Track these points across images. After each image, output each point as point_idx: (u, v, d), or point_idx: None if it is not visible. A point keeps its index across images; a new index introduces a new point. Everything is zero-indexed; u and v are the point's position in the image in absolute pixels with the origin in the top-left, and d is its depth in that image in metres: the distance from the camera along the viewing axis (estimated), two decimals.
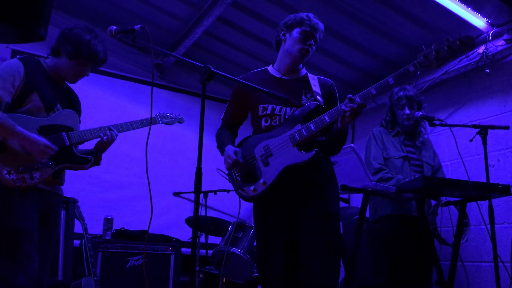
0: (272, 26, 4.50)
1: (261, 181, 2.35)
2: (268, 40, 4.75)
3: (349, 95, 2.18)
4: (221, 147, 2.53)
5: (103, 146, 2.60)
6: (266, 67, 2.61)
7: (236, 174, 2.47)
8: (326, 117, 2.24)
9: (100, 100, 4.83)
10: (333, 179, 2.44)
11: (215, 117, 5.07)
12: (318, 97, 2.42)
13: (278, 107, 2.41)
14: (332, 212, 2.32)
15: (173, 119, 3.05)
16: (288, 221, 2.32)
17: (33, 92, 2.33)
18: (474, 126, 3.16)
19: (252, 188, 2.38)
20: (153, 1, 4.52)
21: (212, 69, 1.95)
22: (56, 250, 3.54)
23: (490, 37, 3.99)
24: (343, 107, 2.19)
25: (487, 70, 4.11)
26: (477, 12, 3.87)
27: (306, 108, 2.35)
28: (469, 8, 3.83)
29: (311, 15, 2.47)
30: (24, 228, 2.23)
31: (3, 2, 1.30)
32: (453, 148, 3.81)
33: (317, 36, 2.46)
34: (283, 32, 2.51)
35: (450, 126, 3.21)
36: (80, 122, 2.61)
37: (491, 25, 3.97)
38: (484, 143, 3.08)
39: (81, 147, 2.60)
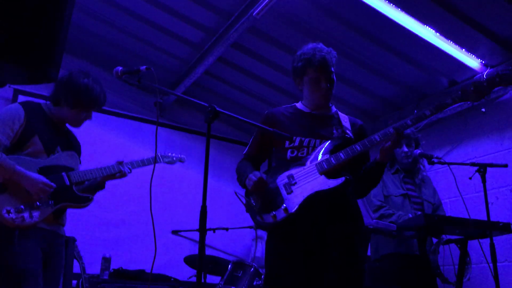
0: (272, 67, 4.61)
1: (283, 207, 2.15)
2: (269, 80, 4.85)
3: (389, 122, 2.15)
4: (241, 177, 2.33)
5: (113, 178, 2.65)
6: (295, 103, 2.49)
7: (256, 199, 2.27)
8: (358, 147, 2.15)
9: (100, 138, 4.85)
10: (361, 217, 2.28)
11: (216, 156, 5.17)
12: (348, 131, 2.32)
13: (306, 140, 2.27)
14: (358, 258, 2.16)
15: (174, 159, 3.07)
16: (307, 257, 2.13)
17: (34, 135, 2.38)
18: (473, 164, 3.19)
19: (271, 214, 2.17)
20: (154, 42, 4.64)
21: (217, 108, 1.95)
22: None
23: (485, 77, 4.08)
24: (376, 137, 2.14)
25: (483, 109, 4.18)
26: (471, 54, 3.97)
27: (335, 140, 2.25)
28: (463, 50, 3.94)
29: (309, 54, 2.29)
30: (27, 269, 2.21)
31: (15, 44, 1.33)
32: (451, 186, 3.82)
33: (330, 69, 2.31)
34: (296, 80, 2.39)
35: (449, 164, 3.23)
36: (80, 163, 2.64)
37: (485, 65, 4.07)
38: (484, 180, 3.10)
39: (88, 166, 2.61)
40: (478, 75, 4.15)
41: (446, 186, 4.32)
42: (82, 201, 2.51)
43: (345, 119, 2.39)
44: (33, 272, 2.23)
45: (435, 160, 3.24)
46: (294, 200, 2.15)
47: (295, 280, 2.13)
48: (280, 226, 2.19)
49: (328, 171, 2.16)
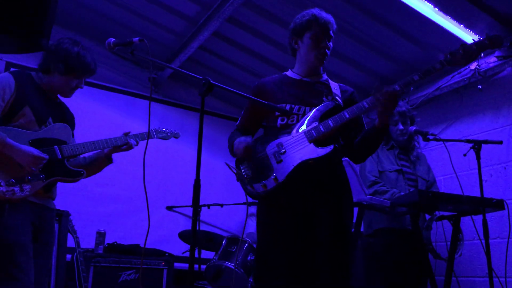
0: (268, 42, 4.55)
1: (273, 176, 2.17)
2: (264, 55, 4.80)
3: (376, 85, 2.09)
4: (231, 145, 2.37)
5: (118, 151, 2.63)
6: (285, 72, 2.50)
7: (246, 169, 2.29)
8: (346, 114, 2.14)
9: (94, 113, 4.81)
10: (348, 188, 2.31)
11: (210, 132, 5.14)
12: (338, 98, 2.31)
13: (296, 106, 2.29)
14: (346, 229, 2.19)
15: (168, 134, 2.97)
16: (297, 226, 2.16)
17: (25, 105, 2.33)
18: (467, 141, 3.19)
19: (262, 184, 2.19)
20: (148, 15, 4.56)
21: (212, 81, 1.92)
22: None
23: (482, 54, 4.06)
24: (365, 103, 2.11)
25: (480, 86, 4.17)
26: (469, 30, 3.93)
27: (325, 107, 2.24)
28: (462, 26, 3.89)
29: (316, 12, 2.35)
30: (17, 241, 2.20)
31: (4, 13, 1.30)
32: (446, 163, 3.84)
33: (331, 33, 2.35)
34: (294, 39, 2.40)
35: (444, 140, 3.23)
36: (73, 136, 2.60)
37: None
38: (478, 157, 3.10)
39: (80, 141, 2.57)
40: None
41: (441, 163, 4.34)
42: (74, 176, 2.48)
43: (335, 87, 2.38)
44: (24, 244, 2.22)
45: (430, 137, 3.25)
46: (284, 169, 2.16)
47: (285, 256, 2.14)
48: (270, 196, 2.21)
49: (318, 139, 2.16)
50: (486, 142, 3.17)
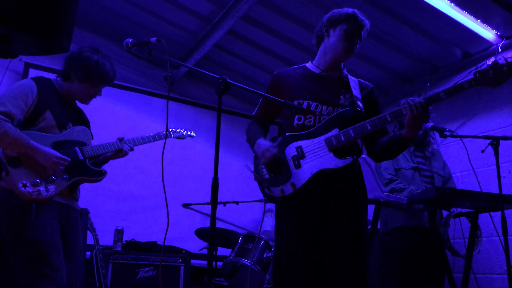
0: (283, 40, 4.55)
1: (290, 182, 2.21)
2: (279, 53, 4.80)
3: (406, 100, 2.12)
4: (251, 141, 2.40)
5: (115, 157, 2.68)
6: (305, 63, 2.49)
7: (264, 172, 2.31)
8: (368, 125, 2.15)
9: (110, 112, 4.86)
10: (364, 192, 2.31)
11: (226, 130, 5.16)
12: (358, 102, 2.29)
13: (314, 104, 2.28)
14: (363, 232, 2.21)
15: (184, 134, 3.09)
16: (314, 231, 2.16)
17: (46, 110, 2.40)
18: (486, 137, 3.16)
19: (279, 189, 2.23)
20: (163, 14, 4.59)
21: (228, 80, 1.94)
22: None
23: (500, 49, 4.01)
24: (388, 117, 2.14)
25: None
26: (486, 25, 3.89)
27: (345, 112, 2.24)
28: (479, 21, 3.86)
29: (357, 11, 2.38)
30: (47, 241, 2.25)
31: (26, 14, 1.32)
32: (463, 159, 3.81)
33: (362, 35, 2.36)
34: (326, 27, 2.39)
35: (461, 137, 3.20)
36: (92, 138, 2.66)
37: (500, 37, 3.99)
38: (496, 153, 3.07)
39: (97, 141, 2.63)
40: (493, 47, 4.08)
41: (458, 159, 4.30)
42: (96, 175, 2.55)
43: (355, 85, 2.37)
44: (55, 243, 2.27)
45: (447, 133, 3.21)
46: (302, 176, 2.20)
47: (298, 257, 2.15)
48: (286, 201, 2.25)
49: (337, 148, 2.18)
50: (505, 138, 3.13)
